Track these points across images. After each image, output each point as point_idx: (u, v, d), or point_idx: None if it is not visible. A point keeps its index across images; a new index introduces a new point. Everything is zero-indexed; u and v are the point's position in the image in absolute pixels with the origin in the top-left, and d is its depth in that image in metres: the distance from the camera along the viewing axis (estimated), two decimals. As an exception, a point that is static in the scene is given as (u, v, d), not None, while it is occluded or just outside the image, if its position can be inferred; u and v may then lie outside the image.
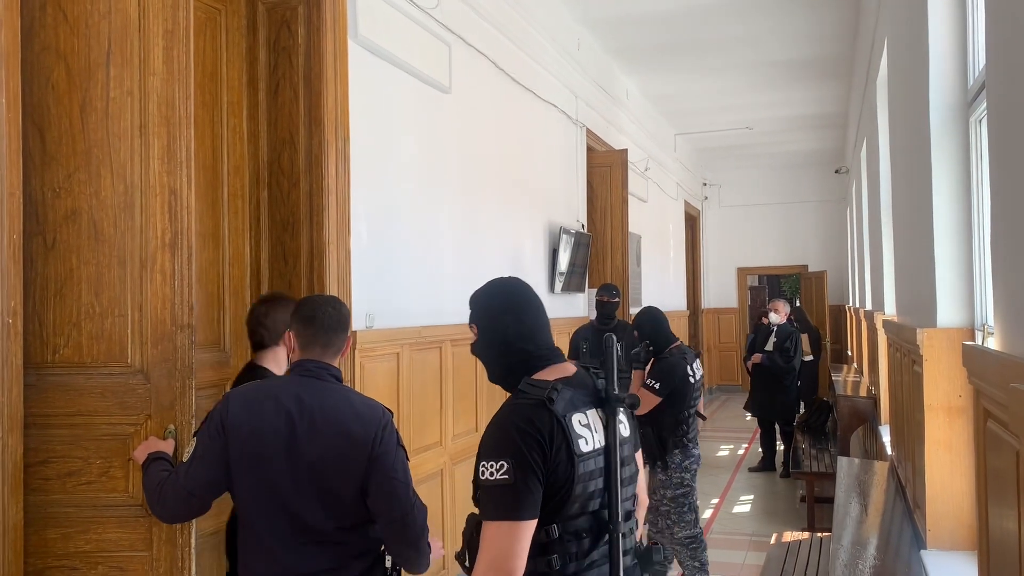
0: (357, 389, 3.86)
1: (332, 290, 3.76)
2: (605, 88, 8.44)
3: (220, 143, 3.81)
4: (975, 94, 2.61)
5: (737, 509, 7.06)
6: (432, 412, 4.62)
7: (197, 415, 2.67)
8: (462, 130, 5.15)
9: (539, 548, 1.79)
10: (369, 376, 3.97)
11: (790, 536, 4.36)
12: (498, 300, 2.10)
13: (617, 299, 6.24)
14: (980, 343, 2.58)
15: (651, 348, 4.56)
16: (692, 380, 4.49)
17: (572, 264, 7.01)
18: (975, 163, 2.69)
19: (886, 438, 5.06)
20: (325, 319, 2.38)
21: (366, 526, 2.24)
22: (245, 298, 3.87)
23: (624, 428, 1.92)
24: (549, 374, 1.92)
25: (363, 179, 4.01)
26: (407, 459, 2.31)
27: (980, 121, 2.66)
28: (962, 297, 2.74)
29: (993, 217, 1.79)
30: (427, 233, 4.67)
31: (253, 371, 2.90)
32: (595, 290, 7.92)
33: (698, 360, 4.67)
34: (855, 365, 10.57)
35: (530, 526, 1.76)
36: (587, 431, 1.83)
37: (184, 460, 2.32)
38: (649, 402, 4.34)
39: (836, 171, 13.55)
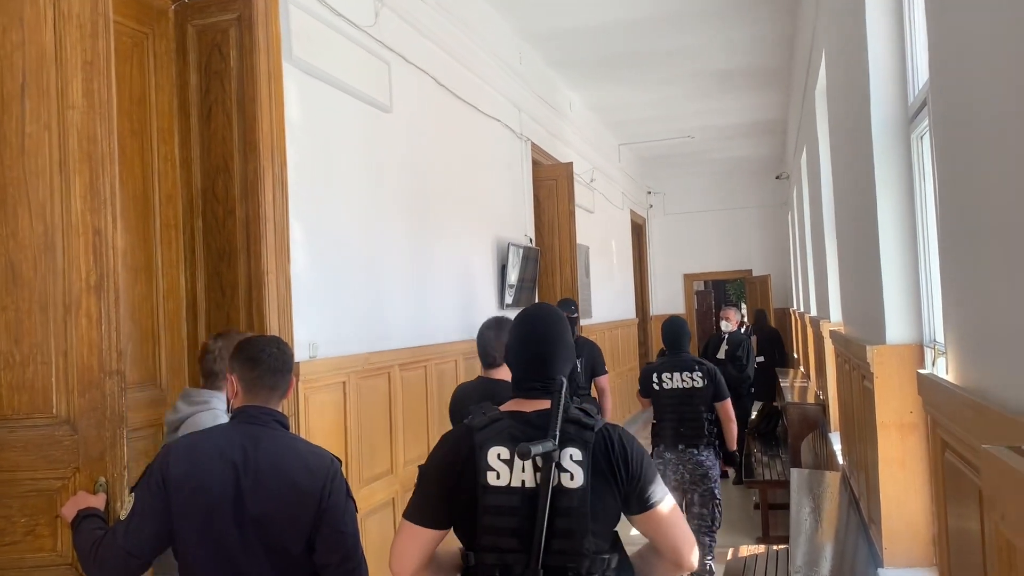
0: (302, 422, 3.74)
1: (273, 320, 3.63)
2: (548, 101, 8.42)
3: (151, 172, 3.66)
4: (916, 110, 2.62)
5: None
6: (381, 440, 4.51)
7: (133, 462, 2.53)
8: (405, 149, 5.06)
9: (462, 572, 1.89)
10: (314, 408, 3.85)
11: (747, 551, 4.34)
12: (514, 323, 2.10)
13: (576, 314, 6.19)
14: (931, 364, 2.59)
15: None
16: (657, 387, 4.96)
17: (521, 279, 6.95)
18: (918, 179, 2.69)
19: (837, 446, 5.09)
20: (270, 361, 2.27)
21: None
22: (181, 332, 3.72)
23: (572, 479, 1.80)
24: (511, 405, 1.94)
25: (302, 204, 3.89)
26: (356, 510, 2.22)
27: (922, 138, 2.67)
28: (910, 313, 2.74)
29: (941, 238, 1.78)
30: (372, 256, 4.56)
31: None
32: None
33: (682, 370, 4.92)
34: (802, 369, 10.72)
35: (421, 532, 1.87)
36: (504, 466, 1.83)
37: (121, 517, 2.18)
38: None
39: (777, 177, 13.80)
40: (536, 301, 7.49)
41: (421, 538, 1.87)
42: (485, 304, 6.36)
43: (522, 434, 1.84)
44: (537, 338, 2.00)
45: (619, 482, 1.84)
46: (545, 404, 1.90)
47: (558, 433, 1.81)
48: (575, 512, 1.80)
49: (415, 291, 5.09)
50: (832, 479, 4.66)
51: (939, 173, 1.83)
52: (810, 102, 6.33)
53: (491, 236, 6.59)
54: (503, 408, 1.94)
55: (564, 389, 1.86)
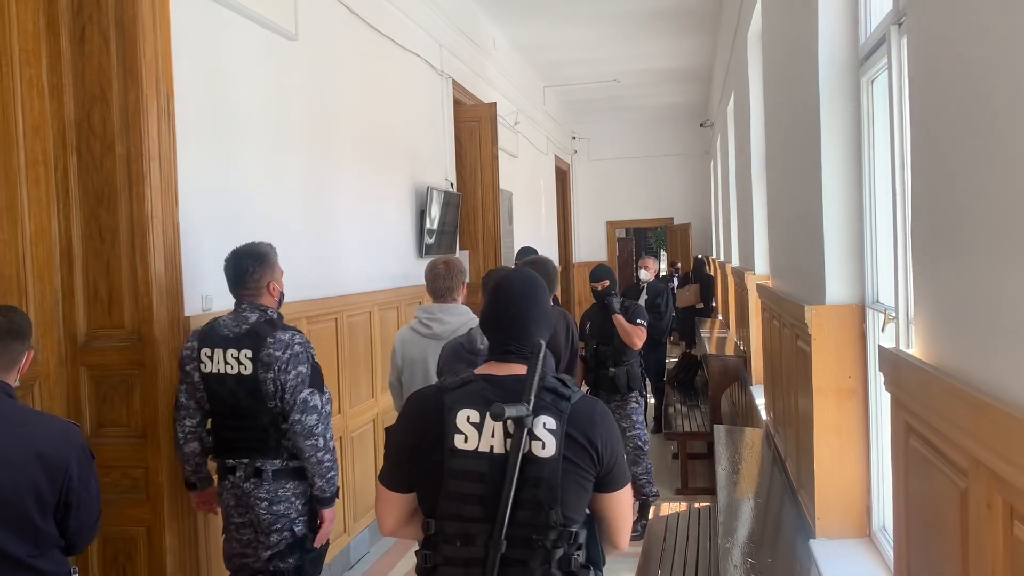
0: (196, 383, 3.39)
1: (159, 269, 3.26)
2: (471, 37, 8.01)
3: (12, 99, 3.18)
4: (869, 51, 2.40)
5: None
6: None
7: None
8: (313, 82, 4.64)
9: (423, 541, 1.82)
10: (209, 367, 3.49)
11: (668, 509, 4.23)
12: (490, 287, 2.03)
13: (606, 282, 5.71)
14: (877, 328, 2.42)
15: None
16: None
17: (442, 224, 6.63)
18: (866, 127, 2.50)
19: (759, 400, 5.02)
20: None
21: (56, 548, 2.21)
22: (54, 282, 3.31)
23: (544, 448, 1.73)
24: (485, 368, 1.89)
25: (192, 140, 3.48)
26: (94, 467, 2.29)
27: (873, 81, 2.47)
28: (852, 272, 2.57)
29: (915, 200, 1.57)
30: (273, 199, 4.17)
31: None
32: (467, 252, 7.60)
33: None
34: (720, 318, 10.76)
35: (394, 496, 1.86)
36: (473, 430, 1.76)
37: None
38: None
39: (701, 125, 13.71)
40: (457, 248, 7.20)
41: (395, 501, 1.87)
42: (403, 251, 6.03)
43: (495, 397, 1.75)
44: (511, 299, 1.91)
45: (594, 460, 1.78)
46: (521, 369, 1.84)
47: (532, 399, 1.74)
48: (544, 482, 1.73)
49: (324, 237, 4.73)
50: (754, 436, 4.58)
51: (916, 113, 1.59)
52: (741, 47, 6.13)
53: (409, 179, 6.23)
54: (476, 371, 1.87)
55: (542, 354, 1.79)
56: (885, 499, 2.52)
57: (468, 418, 1.77)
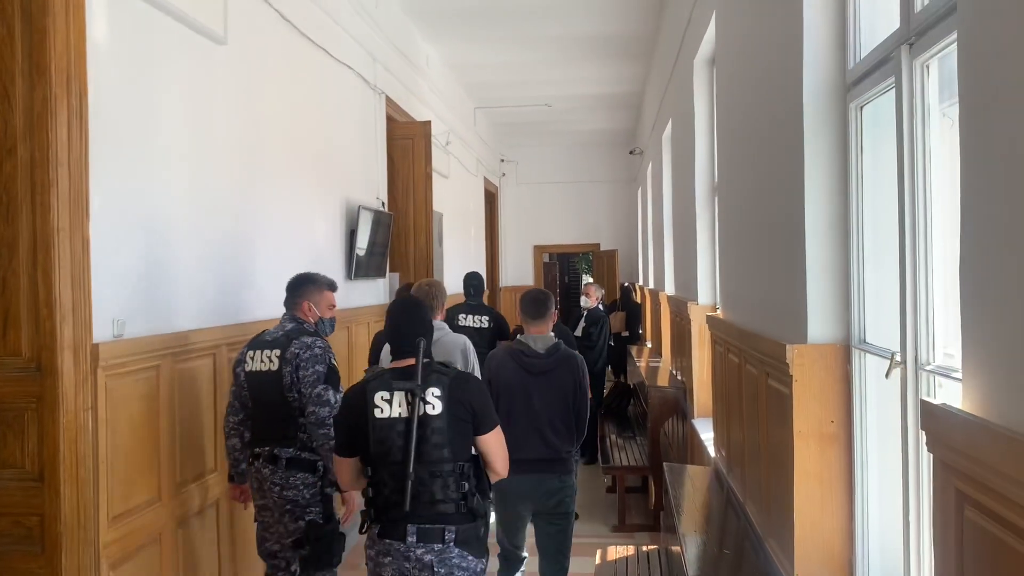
0: (102, 418, 3.01)
1: (64, 289, 2.88)
2: (405, 53, 7.76)
3: None
4: (860, 76, 2.26)
5: None
6: (204, 436, 3.81)
7: None
8: (242, 90, 4.30)
9: (367, 484, 2.74)
10: (118, 401, 3.11)
11: (614, 553, 4.01)
12: (387, 312, 3.03)
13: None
14: (860, 368, 2.27)
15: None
16: None
17: (372, 245, 6.31)
18: (854, 156, 2.35)
19: (704, 434, 4.87)
20: None
21: None
22: (-61, 302, 2.88)
23: (434, 409, 2.65)
24: (393, 364, 2.83)
25: (108, 147, 3.12)
26: None
27: (862, 108, 2.32)
28: (837, 310, 2.41)
29: (963, 236, 1.39)
30: (197, 214, 3.81)
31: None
32: (397, 275, 7.29)
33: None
34: (649, 345, 10.68)
35: (345, 461, 2.77)
36: (385, 404, 2.67)
37: None
38: None
39: (631, 152, 13.75)
40: (388, 270, 6.89)
41: (347, 464, 2.78)
42: (332, 272, 5.67)
43: (396, 379, 2.69)
44: (399, 318, 2.87)
45: (469, 413, 2.69)
46: (407, 361, 2.74)
47: (419, 374, 2.64)
48: (437, 432, 2.64)
49: (251, 257, 4.38)
50: (699, 474, 4.41)
51: (969, 141, 1.41)
52: (683, 73, 6.05)
53: (339, 197, 5.91)
54: (387, 367, 2.87)
55: (421, 346, 2.69)
56: (868, 553, 2.36)
57: (381, 396, 2.68)
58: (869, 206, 2.32)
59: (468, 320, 5.83)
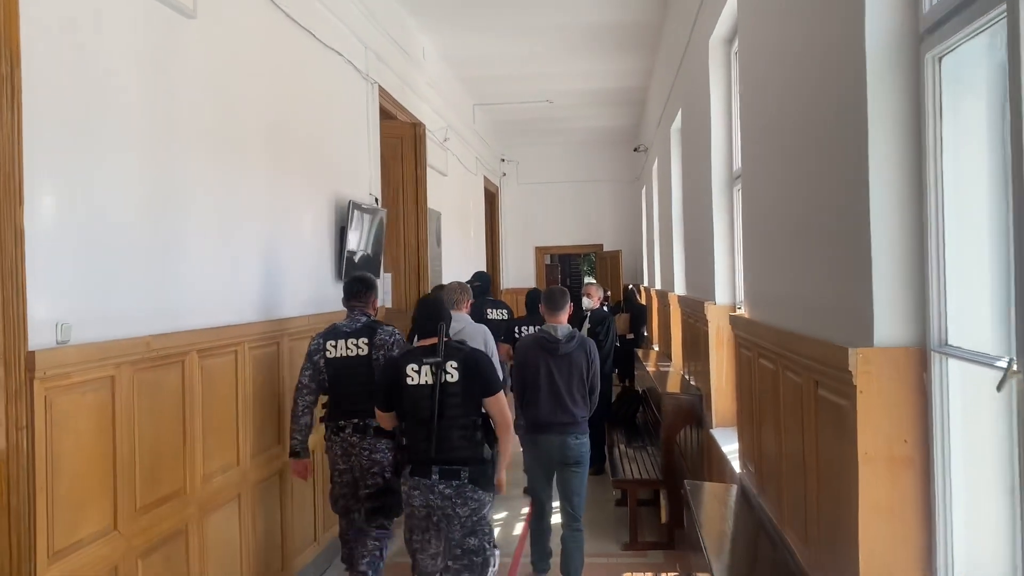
0: (40, 438, 2.59)
1: (-4, 290, 2.45)
2: (400, 43, 7.35)
3: None
4: (940, 20, 1.84)
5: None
6: (171, 452, 3.39)
7: None
8: (213, 70, 3.88)
9: (401, 431, 3.65)
10: (62, 417, 2.70)
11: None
12: (417, 305, 3.97)
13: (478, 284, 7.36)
14: (941, 375, 1.84)
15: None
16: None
17: (364, 244, 5.89)
18: (931, 119, 1.93)
19: (726, 446, 4.45)
20: None
21: None
22: None
23: (453, 378, 3.46)
24: (420, 343, 3.64)
25: (50, 129, 2.71)
26: None
27: (939, 60, 1.91)
28: (911, 306, 1.99)
29: None
30: (161, 207, 3.40)
31: None
32: (390, 276, 6.87)
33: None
34: (656, 348, 10.24)
35: (386, 414, 3.65)
36: (415, 373, 3.49)
37: None
38: None
39: (635, 149, 13.33)
40: (381, 270, 6.46)
41: (386, 416, 3.66)
42: (320, 273, 5.28)
43: (424, 355, 3.51)
44: (425, 310, 3.73)
45: (478, 379, 3.50)
46: (432, 340, 3.56)
47: (442, 351, 3.48)
48: (454, 395, 3.46)
49: (224, 255, 3.96)
50: (721, 492, 3.99)
51: None
52: (697, 57, 5.64)
53: (328, 192, 5.49)
54: (416, 344, 3.69)
55: (443, 329, 3.52)
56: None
57: (412, 367, 3.50)
58: (951, 179, 1.90)
59: (493, 313, 7.03)
